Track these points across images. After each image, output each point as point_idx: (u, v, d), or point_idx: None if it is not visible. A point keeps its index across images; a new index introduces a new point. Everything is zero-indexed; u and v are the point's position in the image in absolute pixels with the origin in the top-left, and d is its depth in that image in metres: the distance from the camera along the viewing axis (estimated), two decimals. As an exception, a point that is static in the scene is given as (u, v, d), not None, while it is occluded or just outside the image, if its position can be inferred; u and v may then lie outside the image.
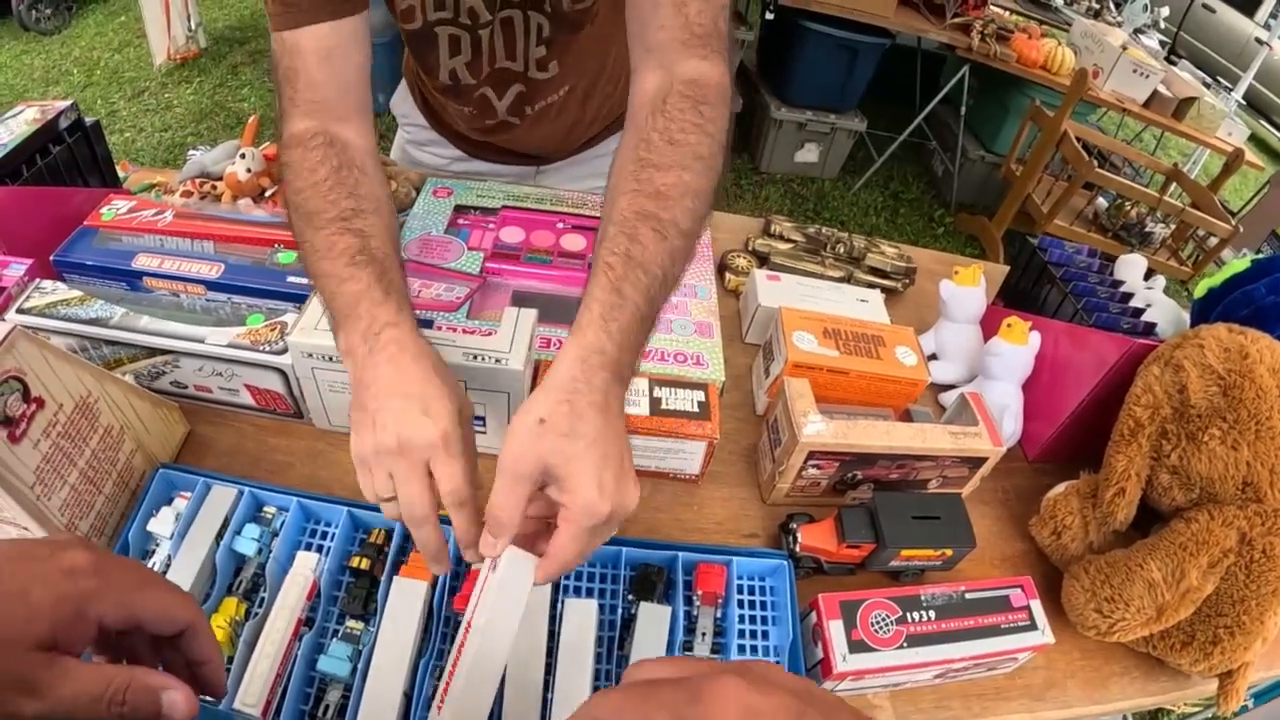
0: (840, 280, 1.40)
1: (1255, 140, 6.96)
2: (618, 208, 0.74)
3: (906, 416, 1.12)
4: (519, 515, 0.63)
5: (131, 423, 0.89)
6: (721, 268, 1.42)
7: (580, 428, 0.62)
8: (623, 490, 0.64)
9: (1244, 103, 6.34)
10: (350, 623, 0.81)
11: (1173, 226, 3.87)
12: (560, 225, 1.31)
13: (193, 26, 4.92)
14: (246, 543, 0.85)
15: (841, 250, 1.47)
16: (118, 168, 1.37)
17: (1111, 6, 5.34)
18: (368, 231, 0.80)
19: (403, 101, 1.51)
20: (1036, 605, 0.93)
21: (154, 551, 0.85)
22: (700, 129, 0.79)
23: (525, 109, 1.28)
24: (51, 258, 1.05)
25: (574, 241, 1.27)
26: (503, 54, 1.18)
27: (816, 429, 0.96)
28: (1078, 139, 3.64)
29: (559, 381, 0.65)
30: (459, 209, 1.33)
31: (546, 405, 0.64)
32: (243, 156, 1.26)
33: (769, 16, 3.73)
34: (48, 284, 0.97)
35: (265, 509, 0.90)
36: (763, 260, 1.43)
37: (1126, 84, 3.87)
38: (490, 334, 0.95)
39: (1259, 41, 7.48)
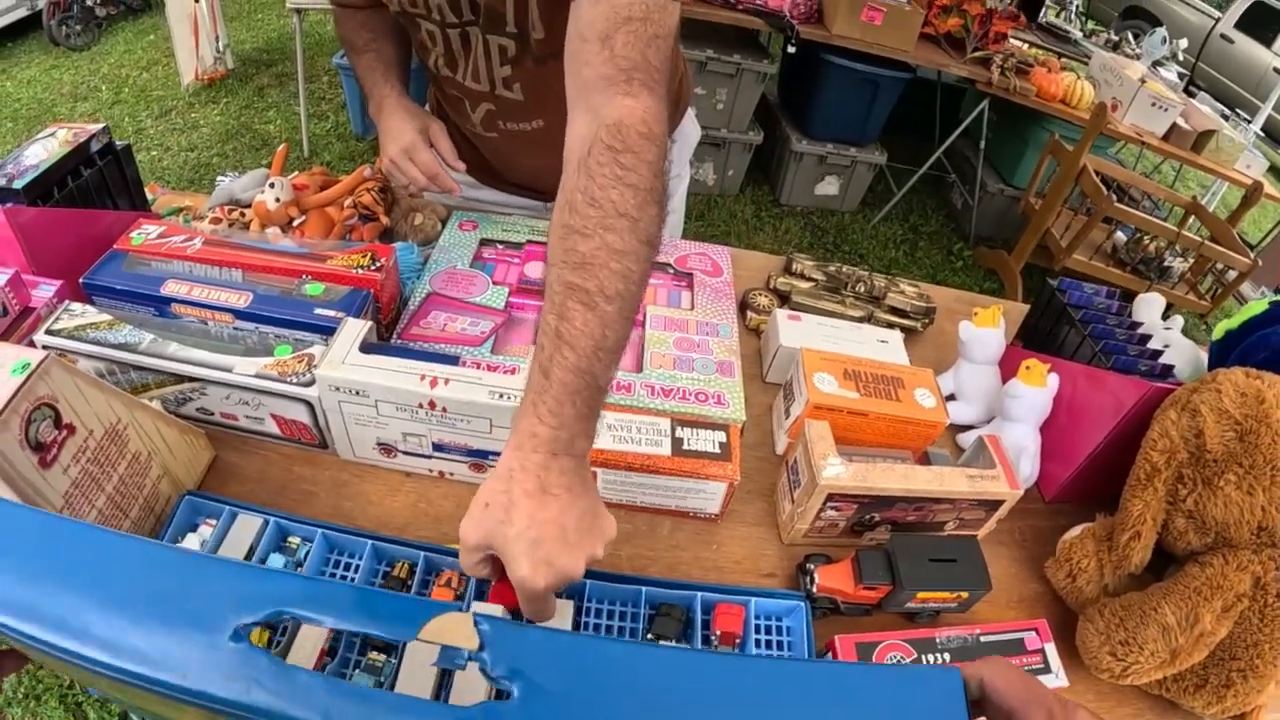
0: (860, 320, 1.41)
1: (1275, 171, 6.93)
2: (549, 279, 0.79)
3: (925, 458, 1.12)
4: (475, 573, 0.73)
5: (159, 449, 0.91)
6: (743, 306, 1.43)
7: (513, 515, 0.69)
8: (559, 565, 0.69)
9: (1263, 134, 6.34)
10: (372, 654, 0.82)
11: (1191, 260, 3.86)
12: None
13: (220, 48, 4.98)
14: (271, 572, 0.86)
15: (862, 289, 1.48)
16: (146, 190, 1.39)
17: (1130, 39, 5.35)
18: (378, 48, 1.35)
19: None
20: (1051, 648, 0.93)
21: (179, 578, 0.86)
22: (621, 181, 0.81)
23: (498, 124, 1.32)
24: (81, 280, 1.06)
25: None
26: (472, 64, 1.22)
27: (836, 472, 0.97)
28: (1097, 173, 3.64)
29: (500, 469, 0.73)
30: (484, 242, 1.36)
31: (490, 492, 0.72)
32: (271, 186, 1.27)
33: (791, 50, 3.75)
34: (77, 306, 0.98)
35: (290, 539, 0.91)
36: (784, 299, 1.45)
37: (1145, 117, 3.87)
38: (514, 371, 0.96)
39: (1277, 71, 7.51)
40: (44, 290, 1.05)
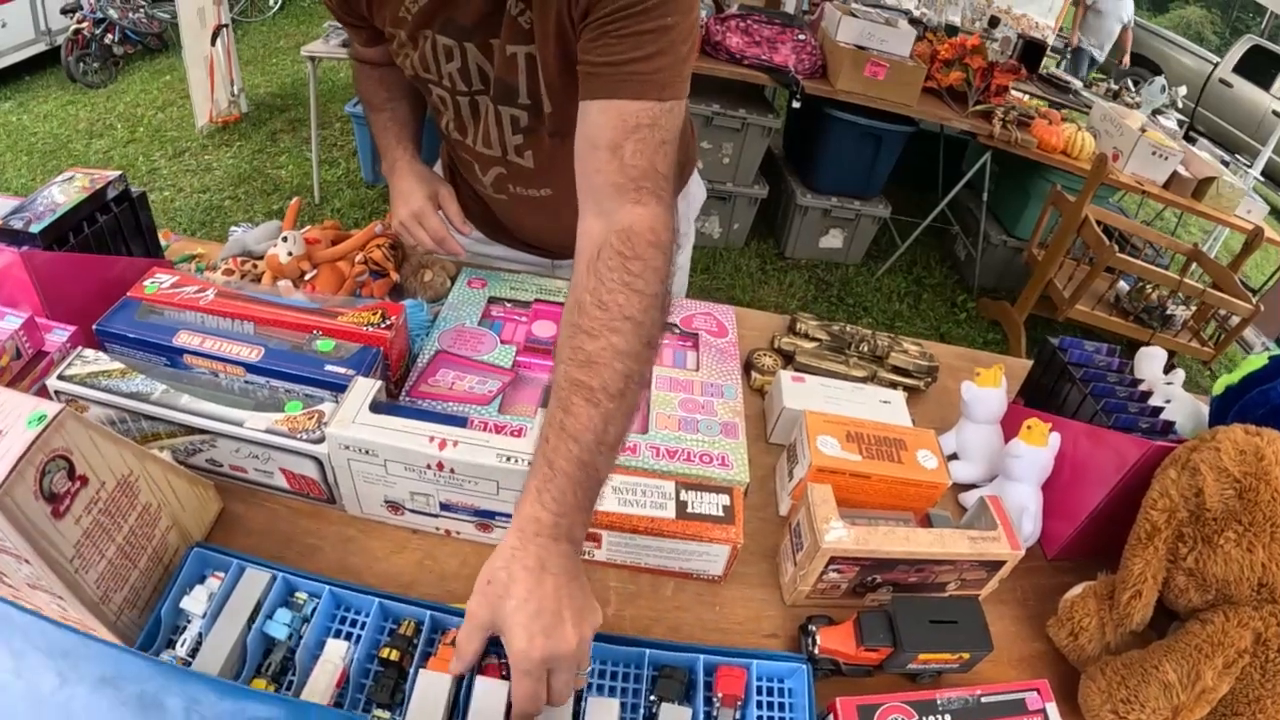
0: (864, 380, 1.42)
1: (1277, 214, 6.98)
2: (556, 376, 0.85)
3: (926, 519, 1.13)
4: (471, 651, 0.77)
5: (169, 500, 0.92)
6: (748, 366, 1.45)
7: (513, 589, 0.74)
8: (555, 639, 0.73)
9: (1263, 178, 6.38)
10: (377, 711, 0.83)
11: (1194, 307, 3.87)
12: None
13: (235, 91, 5.10)
14: (278, 627, 0.87)
15: (865, 349, 1.49)
16: (160, 236, 1.42)
17: (1131, 86, 5.42)
18: (393, 108, 1.39)
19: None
20: (1052, 708, 0.93)
21: (185, 628, 0.87)
22: (628, 287, 0.87)
23: (508, 187, 1.34)
24: (94, 327, 1.07)
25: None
26: (482, 130, 1.24)
27: (838, 535, 0.98)
28: (1099, 223, 3.66)
29: (502, 549, 0.78)
30: (492, 300, 1.38)
31: (492, 569, 0.77)
32: (285, 239, 1.30)
33: (796, 105, 3.80)
34: (89, 353, 0.99)
35: (297, 594, 0.92)
36: (788, 359, 1.46)
37: (1146, 166, 3.92)
38: (521, 432, 0.98)
39: (1276, 114, 7.58)
40: (58, 335, 1.07)
